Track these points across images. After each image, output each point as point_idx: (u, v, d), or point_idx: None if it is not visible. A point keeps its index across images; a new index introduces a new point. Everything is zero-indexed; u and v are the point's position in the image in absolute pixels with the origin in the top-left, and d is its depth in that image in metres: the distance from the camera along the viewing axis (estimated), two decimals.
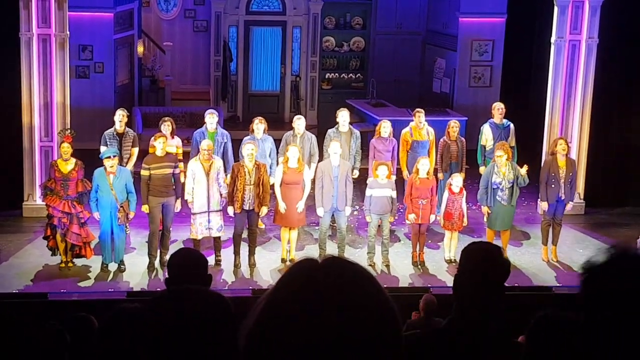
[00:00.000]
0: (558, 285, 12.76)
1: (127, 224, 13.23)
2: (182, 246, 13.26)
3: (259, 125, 13.85)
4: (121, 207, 12.41)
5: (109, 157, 12.35)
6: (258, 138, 13.74)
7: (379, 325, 1.90)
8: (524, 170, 12.96)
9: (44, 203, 12.84)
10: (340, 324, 1.86)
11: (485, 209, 13.24)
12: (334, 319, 1.86)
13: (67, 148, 12.57)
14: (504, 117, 14.83)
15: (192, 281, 4.53)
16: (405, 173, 14.51)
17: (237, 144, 13.86)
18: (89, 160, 13.60)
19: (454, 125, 14.46)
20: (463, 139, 14.70)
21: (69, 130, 13.23)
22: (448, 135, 14.42)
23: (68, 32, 14.68)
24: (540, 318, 3.68)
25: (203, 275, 4.74)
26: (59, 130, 14.03)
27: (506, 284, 3.92)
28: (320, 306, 1.87)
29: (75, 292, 12.18)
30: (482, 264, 3.86)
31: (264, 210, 12.85)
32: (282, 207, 12.91)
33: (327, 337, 1.85)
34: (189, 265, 4.78)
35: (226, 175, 13.21)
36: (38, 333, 4.35)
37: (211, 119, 14.06)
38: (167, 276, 4.93)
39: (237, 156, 13.83)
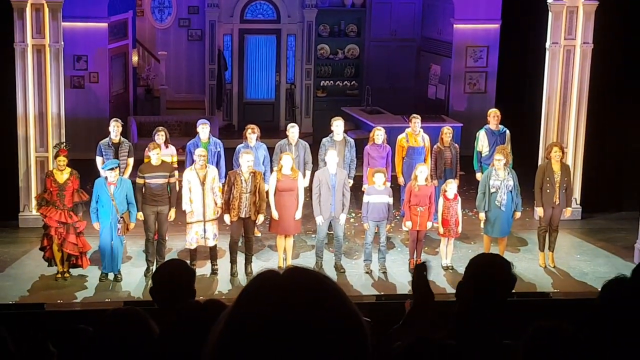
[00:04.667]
0: (555, 291, 12.75)
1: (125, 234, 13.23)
2: (177, 256, 13.29)
3: (251, 135, 13.84)
4: (121, 217, 12.41)
5: (112, 169, 12.35)
6: (251, 146, 13.74)
7: (344, 335, 1.87)
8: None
9: (40, 213, 12.80)
10: (304, 334, 1.83)
11: (481, 216, 13.23)
12: (297, 330, 1.83)
13: (62, 161, 12.56)
14: (500, 123, 14.85)
15: (177, 295, 4.45)
16: (400, 179, 14.50)
17: (233, 152, 13.85)
18: (85, 170, 13.60)
19: (447, 132, 14.45)
20: (457, 145, 14.69)
21: (64, 144, 13.21)
22: (441, 141, 14.42)
23: (62, 43, 14.67)
24: (536, 329, 3.67)
25: (188, 289, 4.64)
26: (54, 144, 13.99)
27: None
28: (283, 318, 1.84)
29: (72, 303, 12.16)
30: (488, 276, 3.84)
31: (260, 218, 12.84)
32: (275, 215, 12.90)
33: (292, 346, 1.82)
34: (174, 279, 4.68)
35: (221, 183, 13.21)
36: (22, 345, 4.33)
37: (203, 129, 14.09)
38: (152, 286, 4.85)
39: (231, 164, 13.83)
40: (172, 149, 14.02)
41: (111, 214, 12.38)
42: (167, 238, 13.19)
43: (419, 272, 4.26)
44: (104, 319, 3.60)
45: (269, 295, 1.88)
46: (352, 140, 14.48)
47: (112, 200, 12.33)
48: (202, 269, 12.86)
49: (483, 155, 14.76)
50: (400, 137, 14.73)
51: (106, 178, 12.39)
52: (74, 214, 12.54)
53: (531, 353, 3.62)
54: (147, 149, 13.18)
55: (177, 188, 13.11)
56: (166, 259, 12.87)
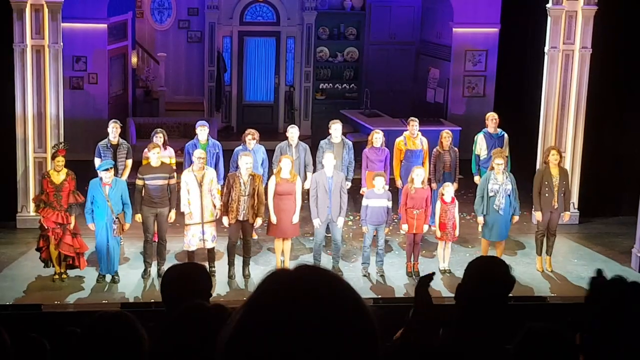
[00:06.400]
0: (552, 295, 12.76)
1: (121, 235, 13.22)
2: (175, 258, 13.28)
3: (251, 142, 13.81)
4: (117, 218, 12.40)
5: (107, 169, 12.34)
6: (250, 149, 13.73)
7: (355, 331, 1.89)
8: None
9: (40, 214, 12.76)
10: (317, 331, 1.85)
11: (480, 219, 13.23)
12: (310, 327, 1.85)
13: (61, 162, 12.55)
14: (498, 127, 14.86)
15: (180, 298, 4.38)
16: (398, 182, 14.51)
17: (231, 154, 13.86)
18: (83, 171, 13.59)
19: (446, 135, 14.47)
20: (456, 148, 14.71)
21: (62, 144, 13.21)
22: (441, 145, 14.43)
23: (62, 43, 14.67)
24: (528, 330, 3.68)
25: (191, 292, 4.55)
26: (52, 144, 13.98)
27: None
28: (297, 315, 1.86)
29: (69, 304, 12.15)
30: (487, 278, 3.85)
31: (259, 221, 12.83)
32: (273, 218, 12.90)
33: (304, 345, 1.84)
34: (176, 282, 4.63)
35: (219, 185, 13.20)
36: (16, 343, 4.32)
37: (202, 131, 14.08)
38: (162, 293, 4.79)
39: (228, 166, 13.83)
40: (170, 151, 14.02)
41: (106, 214, 12.37)
42: (166, 240, 13.15)
43: (424, 283, 4.20)
44: (90, 322, 3.61)
45: (282, 294, 1.91)
46: (350, 143, 14.48)
47: (107, 201, 12.32)
48: None
49: (481, 158, 14.78)
50: (398, 140, 14.74)
51: (101, 179, 12.38)
52: (68, 214, 12.53)
53: (523, 354, 3.63)
54: (146, 149, 13.18)
55: (177, 189, 13.10)
56: (167, 260, 12.90)
